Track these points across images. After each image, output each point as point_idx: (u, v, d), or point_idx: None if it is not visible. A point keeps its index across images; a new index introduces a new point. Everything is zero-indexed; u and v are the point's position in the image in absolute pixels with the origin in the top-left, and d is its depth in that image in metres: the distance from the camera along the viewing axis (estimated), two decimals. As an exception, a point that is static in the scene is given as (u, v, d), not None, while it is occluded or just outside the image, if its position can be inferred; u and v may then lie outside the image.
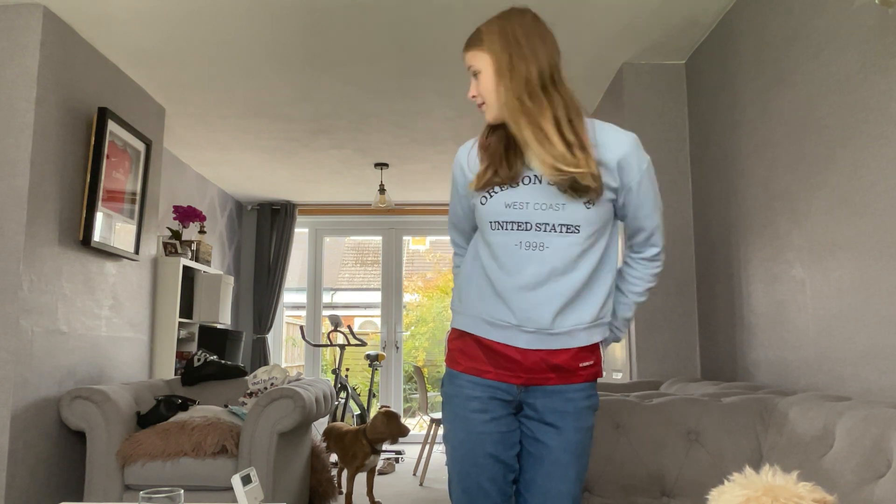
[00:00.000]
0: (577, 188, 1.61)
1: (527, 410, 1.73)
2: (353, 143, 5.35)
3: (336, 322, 6.63)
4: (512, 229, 1.66)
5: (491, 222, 1.69)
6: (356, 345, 6.62)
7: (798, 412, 2.01)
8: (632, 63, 3.86)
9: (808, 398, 2.06)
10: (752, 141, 3.01)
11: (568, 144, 1.60)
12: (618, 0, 3.20)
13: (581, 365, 1.70)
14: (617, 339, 1.85)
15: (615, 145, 1.66)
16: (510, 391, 1.70)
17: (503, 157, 1.68)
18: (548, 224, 1.64)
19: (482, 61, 1.68)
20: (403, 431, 4.35)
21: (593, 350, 1.72)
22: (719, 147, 3.36)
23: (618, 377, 4.05)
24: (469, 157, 1.79)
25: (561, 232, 1.64)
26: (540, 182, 1.65)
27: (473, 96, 1.70)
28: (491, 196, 1.68)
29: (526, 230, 1.65)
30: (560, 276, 1.65)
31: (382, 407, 4.43)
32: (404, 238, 7.76)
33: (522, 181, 1.66)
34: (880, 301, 2.12)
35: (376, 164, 5.95)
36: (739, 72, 3.13)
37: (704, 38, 3.55)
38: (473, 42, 1.70)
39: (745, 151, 3.08)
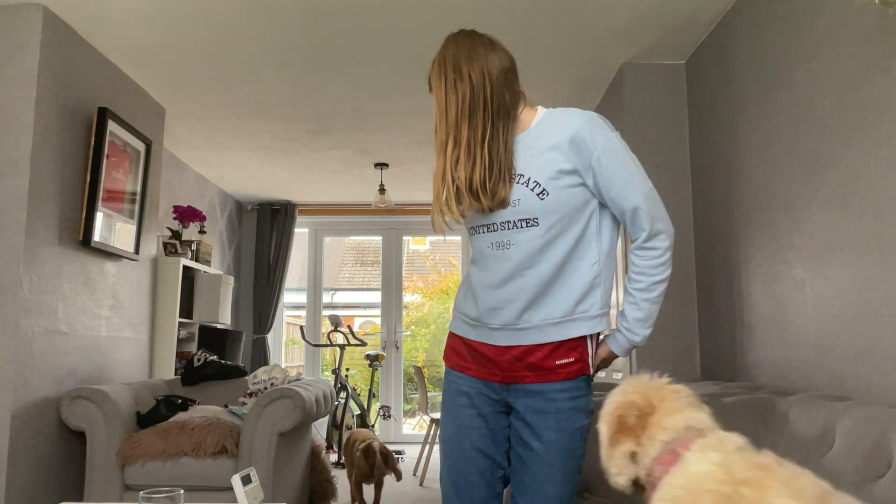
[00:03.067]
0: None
1: (513, 412, 1.74)
2: (353, 143, 5.35)
3: (336, 322, 6.63)
4: (484, 232, 1.71)
5: (470, 229, 1.76)
6: (356, 345, 6.62)
7: (798, 412, 2.01)
8: (632, 63, 3.85)
9: (808, 398, 2.06)
10: (752, 141, 3.01)
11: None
12: (618, 0, 3.20)
13: (558, 363, 1.65)
14: (632, 343, 1.71)
15: (564, 125, 1.64)
16: (494, 389, 1.73)
17: None
18: (509, 222, 1.66)
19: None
20: (383, 470, 3.95)
21: (574, 347, 1.66)
22: (719, 147, 3.36)
23: (618, 377, 4.04)
24: None
25: (521, 227, 1.65)
26: None
27: None
28: None
29: (494, 231, 1.69)
30: (525, 270, 1.65)
31: (362, 443, 3.97)
32: (404, 238, 7.76)
33: None
34: (880, 301, 2.12)
35: (376, 164, 5.95)
36: (739, 72, 3.13)
37: (704, 38, 3.55)
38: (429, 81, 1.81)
39: (745, 151, 3.07)
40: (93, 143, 3.61)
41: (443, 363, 1.87)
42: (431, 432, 5.51)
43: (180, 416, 3.41)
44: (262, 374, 3.84)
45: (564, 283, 1.65)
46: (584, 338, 1.68)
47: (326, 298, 9.11)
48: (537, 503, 1.68)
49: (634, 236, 1.68)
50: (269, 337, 7.22)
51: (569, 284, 1.65)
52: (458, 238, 7.67)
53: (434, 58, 1.71)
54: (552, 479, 1.65)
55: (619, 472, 1.36)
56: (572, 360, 1.66)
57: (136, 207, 4.11)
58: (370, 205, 7.42)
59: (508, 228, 1.66)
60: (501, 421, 1.74)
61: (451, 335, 1.83)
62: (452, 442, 1.74)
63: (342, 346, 6.61)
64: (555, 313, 1.64)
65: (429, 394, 5.91)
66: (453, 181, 1.65)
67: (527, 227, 1.64)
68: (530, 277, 1.64)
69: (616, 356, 1.74)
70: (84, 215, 3.54)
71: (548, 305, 1.65)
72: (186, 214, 5.17)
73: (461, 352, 1.78)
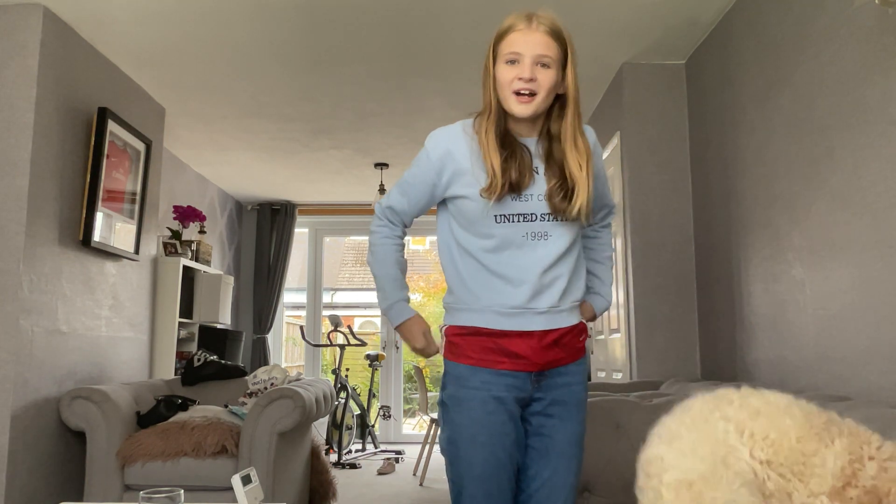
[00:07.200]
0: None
1: (533, 406, 1.74)
2: (353, 143, 5.35)
3: (336, 322, 6.63)
4: (518, 221, 1.70)
5: (496, 216, 1.69)
6: (356, 345, 6.62)
7: (798, 412, 2.01)
8: (632, 63, 3.85)
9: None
10: (752, 141, 3.01)
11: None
12: (618, 0, 3.20)
13: (581, 339, 1.81)
14: (609, 302, 1.95)
15: (588, 138, 1.78)
16: (524, 388, 1.71)
17: (521, 158, 1.70)
18: (550, 214, 1.71)
19: (556, 54, 1.66)
20: None
21: (583, 325, 1.83)
22: (719, 147, 3.36)
23: (618, 377, 4.04)
24: (468, 149, 1.72)
25: (561, 221, 1.72)
26: (538, 174, 1.71)
27: (531, 79, 1.63)
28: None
29: (532, 221, 1.70)
30: (562, 258, 1.74)
31: None
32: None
33: None
34: (880, 301, 2.12)
35: (376, 164, 5.95)
36: (739, 72, 3.13)
37: (704, 38, 3.55)
38: (555, 33, 1.67)
39: (745, 151, 3.08)
40: (93, 143, 3.61)
41: (443, 363, 1.81)
42: (431, 432, 5.52)
43: (180, 416, 3.41)
44: (262, 374, 3.84)
45: (579, 270, 1.81)
46: None
47: (326, 298, 9.11)
48: (556, 493, 1.71)
49: (603, 221, 1.98)
50: (269, 337, 7.21)
51: (581, 271, 1.82)
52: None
53: (563, 28, 1.69)
54: (570, 468, 1.74)
55: None
56: (585, 335, 1.83)
57: (136, 207, 4.11)
58: (370, 205, 7.42)
59: (548, 220, 1.71)
60: (520, 424, 1.74)
61: (469, 332, 1.72)
62: (486, 451, 1.68)
63: (342, 346, 6.61)
64: (577, 295, 1.79)
65: (429, 394, 5.91)
66: None
67: (568, 220, 1.73)
68: (564, 265, 1.74)
69: (595, 318, 1.92)
70: (84, 215, 3.54)
71: (573, 289, 1.78)
72: (186, 214, 5.16)
73: (487, 346, 1.70)
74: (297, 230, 7.43)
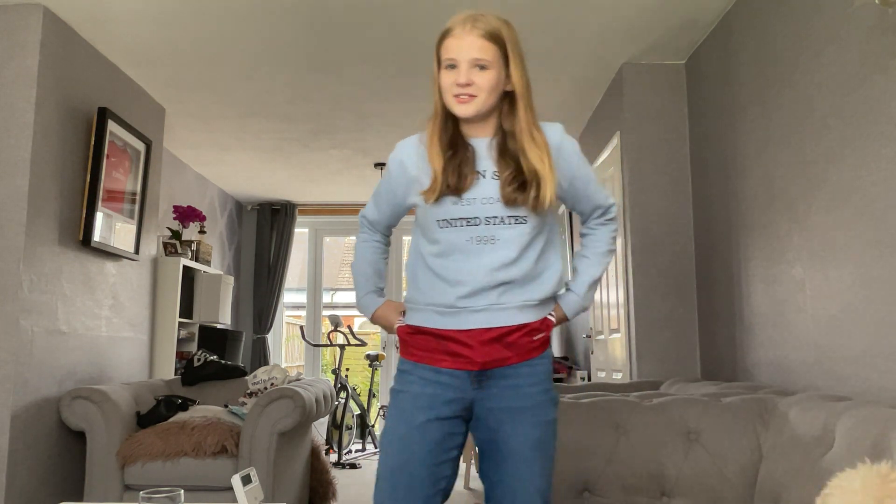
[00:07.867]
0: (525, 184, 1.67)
1: (479, 412, 1.71)
2: (353, 143, 5.35)
3: (336, 322, 6.63)
4: (462, 226, 1.68)
5: (439, 221, 1.69)
6: (356, 345, 6.62)
7: (798, 412, 2.01)
8: (632, 63, 3.85)
9: (808, 398, 2.06)
10: (752, 141, 3.01)
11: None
12: (618, 0, 3.20)
13: (535, 338, 1.71)
14: (583, 303, 1.82)
15: (550, 136, 1.72)
16: (463, 388, 1.68)
17: (464, 159, 1.69)
18: (496, 217, 1.67)
19: (493, 56, 1.65)
20: None
21: (543, 322, 1.74)
22: (719, 147, 3.36)
23: (618, 377, 4.04)
24: (417, 157, 1.76)
25: (510, 224, 1.67)
26: (484, 177, 1.68)
27: (467, 84, 1.65)
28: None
29: (476, 225, 1.67)
30: (513, 264, 1.67)
31: None
32: (404, 238, 7.76)
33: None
34: (880, 301, 2.12)
35: (376, 164, 5.95)
36: (739, 72, 3.13)
37: (704, 38, 3.55)
38: (491, 34, 1.66)
39: (745, 151, 3.08)
40: (93, 143, 3.61)
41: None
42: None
43: (180, 416, 3.41)
44: (262, 374, 3.84)
45: (543, 272, 1.73)
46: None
47: (326, 298, 9.12)
48: (520, 499, 1.68)
49: (602, 217, 1.85)
50: (269, 337, 7.22)
51: (546, 274, 1.73)
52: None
53: (507, 28, 1.70)
54: (532, 473, 1.68)
55: None
56: (543, 333, 1.73)
57: (136, 207, 4.11)
58: (370, 205, 7.42)
59: (495, 224, 1.67)
60: (456, 427, 1.71)
61: (414, 331, 1.74)
62: (402, 443, 1.68)
63: (342, 346, 6.61)
64: (535, 296, 1.71)
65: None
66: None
67: (516, 223, 1.67)
68: (515, 269, 1.68)
69: (566, 320, 1.82)
70: (84, 215, 3.54)
71: (529, 291, 1.70)
72: (186, 214, 5.17)
73: (430, 346, 1.71)
74: (297, 230, 7.44)
